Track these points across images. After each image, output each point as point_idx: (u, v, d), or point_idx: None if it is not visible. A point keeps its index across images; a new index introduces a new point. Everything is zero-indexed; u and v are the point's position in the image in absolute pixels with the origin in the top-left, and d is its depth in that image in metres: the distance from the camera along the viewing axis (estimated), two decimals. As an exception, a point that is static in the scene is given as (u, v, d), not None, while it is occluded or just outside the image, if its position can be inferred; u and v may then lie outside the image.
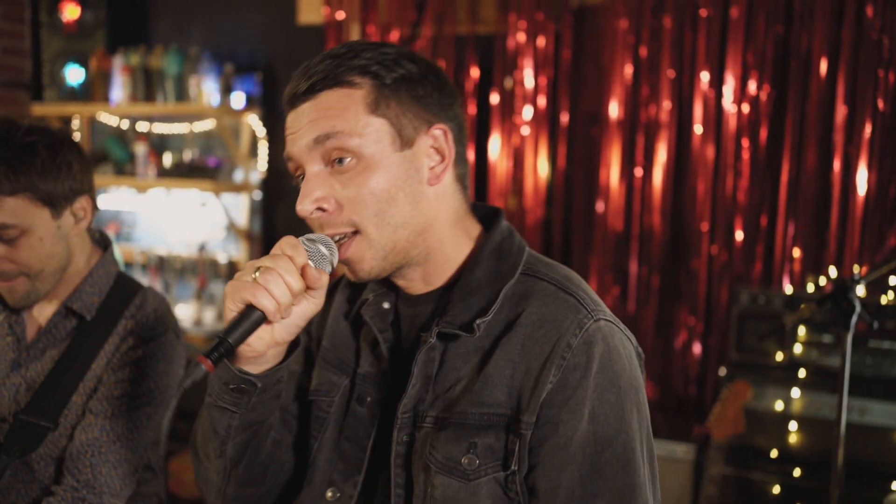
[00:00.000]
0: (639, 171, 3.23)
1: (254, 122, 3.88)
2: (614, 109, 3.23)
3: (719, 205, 3.13)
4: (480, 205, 1.21)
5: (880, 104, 2.87)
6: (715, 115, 3.10)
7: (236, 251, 4.05)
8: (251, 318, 0.97)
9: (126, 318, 1.54)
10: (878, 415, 2.58)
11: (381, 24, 3.61)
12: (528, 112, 3.36)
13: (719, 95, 3.09)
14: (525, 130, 3.38)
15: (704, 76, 3.08)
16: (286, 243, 1.00)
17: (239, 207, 3.99)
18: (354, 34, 3.67)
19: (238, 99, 3.81)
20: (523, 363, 1.03)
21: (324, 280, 1.01)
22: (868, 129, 2.89)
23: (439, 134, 1.09)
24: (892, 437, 2.55)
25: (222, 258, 4.05)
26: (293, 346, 1.09)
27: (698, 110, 3.11)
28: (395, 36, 3.56)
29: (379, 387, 1.13)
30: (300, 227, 1.09)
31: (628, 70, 3.20)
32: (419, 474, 1.05)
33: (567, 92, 3.34)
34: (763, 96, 3.02)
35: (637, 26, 3.17)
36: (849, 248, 2.94)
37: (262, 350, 1.02)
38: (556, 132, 3.39)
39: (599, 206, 3.28)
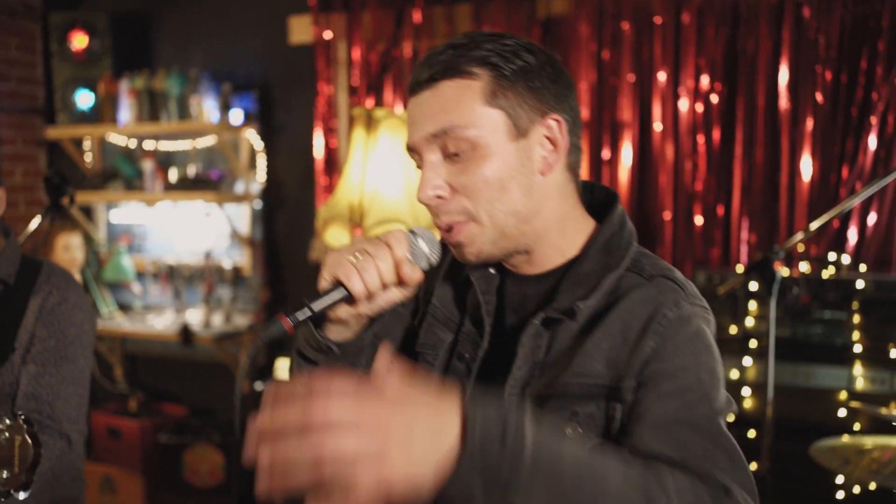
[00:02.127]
0: (606, 169, 3.50)
1: (252, 136, 4.17)
2: (581, 112, 3.50)
3: (680, 195, 3.39)
4: (598, 187, 1.24)
5: (819, 98, 3.14)
6: (672, 113, 3.37)
7: (240, 257, 4.34)
8: (337, 294, 1.07)
9: (41, 282, 1.89)
10: (822, 378, 2.84)
11: (366, 41, 3.89)
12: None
13: (676, 95, 3.36)
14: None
15: (661, 77, 3.36)
16: (395, 237, 1.09)
17: (241, 217, 4.28)
18: (342, 51, 3.96)
19: (236, 116, 4.10)
20: (621, 335, 1.08)
21: (416, 277, 1.09)
22: (810, 122, 3.16)
23: (553, 124, 1.12)
24: (835, 398, 2.81)
25: (227, 264, 4.33)
26: (374, 318, 1.15)
27: (657, 110, 3.38)
28: (379, 50, 3.85)
29: (475, 347, 1.19)
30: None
31: (592, 75, 3.47)
32: None
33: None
34: (715, 94, 3.29)
35: (599, 34, 3.45)
36: (798, 231, 3.20)
37: (345, 318, 1.12)
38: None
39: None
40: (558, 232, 1.17)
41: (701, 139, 3.33)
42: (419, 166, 1.15)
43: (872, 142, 3.06)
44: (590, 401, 1.07)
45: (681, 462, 0.95)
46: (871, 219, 3.09)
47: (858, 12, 3.07)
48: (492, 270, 1.21)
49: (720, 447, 0.98)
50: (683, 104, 3.34)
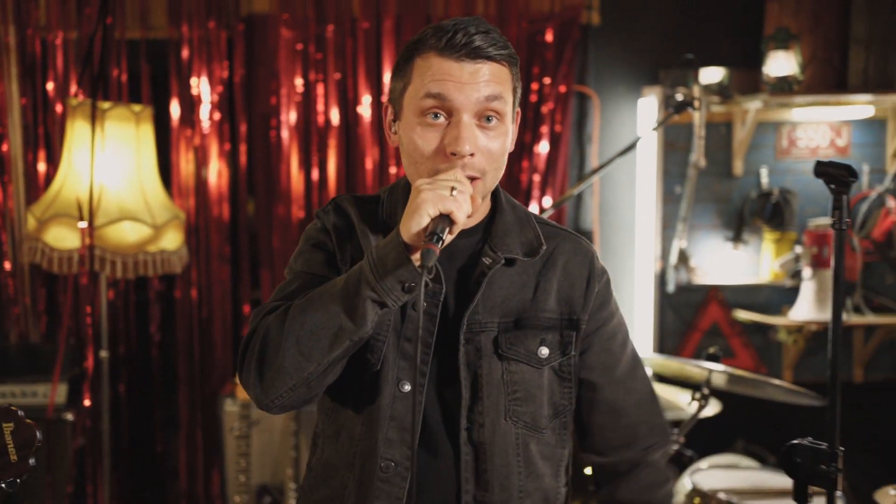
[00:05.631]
0: (315, 163, 3.63)
1: None
2: (288, 110, 3.59)
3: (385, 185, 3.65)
4: None
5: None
6: (376, 111, 3.61)
7: None
8: (443, 225, 1.21)
9: None
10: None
11: (40, 27, 3.54)
12: (205, 115, 3.58)
13: (380, 92, 3.60)
14: (205, 131, 3.59)
15: (365, 76, 3.57)
16: (461, 174, 1.27)
17: None
18: (10, 35, 3.55)
19: None
20: (567, 280, 1.45)
21: (475, 211, 1.28)
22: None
23: (516, 117, 1.42)
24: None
25: None
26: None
27: (361, 108, 3.59)
28: (59, 39, 3.53)
29: (431, 294, 1.38)
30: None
31: (298, 74, 3.58)
32: (492, 363, 1.39)
33: (243, 96, 3.62)
34: (414, 96, 3.60)
35: (304, 35, 3.56)
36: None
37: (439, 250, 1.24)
38: (236, 134, 3.65)
39: (281, 198, 3.62)
40: (487, 198, 1.45)
41: (404, 137, 3.61)
42: (434, 115, 1.30)
43: (544, 146, 3.61)
44: (550, 330, 1.43)
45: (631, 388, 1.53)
46: (546, 202, 3.63)
47: (531, 28, 3.60)
48: None
49: (641, 367, 1.58)
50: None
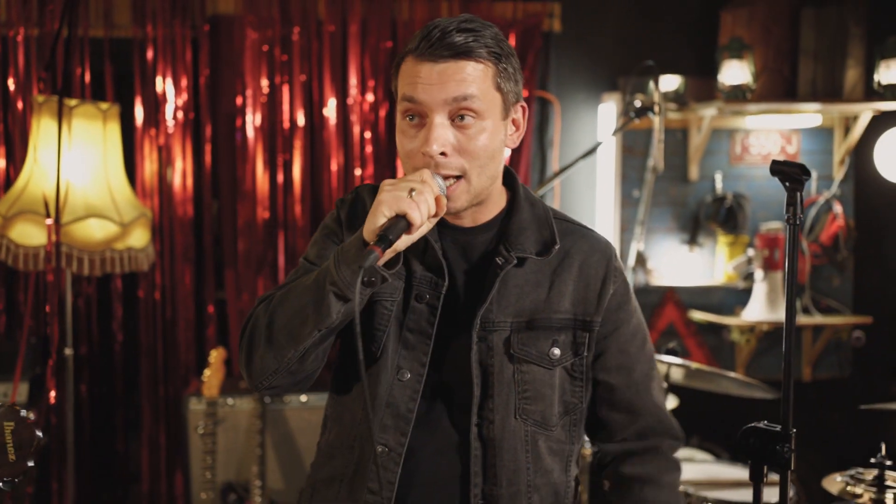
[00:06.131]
0: (280, 165, 3.65)
1: None
2: (253, 112, 3.61)
3: (350, 189, 3.68)
4: None
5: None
6: (341, 113, 3.65)
7: None
8: (399, 225, 1.23)
9: None
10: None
11: (0, 24, 3.52)
12: (170, 115, 3.58)
13: (345, 95, 3.64)
14: (170, 130, 3.59)
15: (331, 79, 3.61)
16: (427, 175, 1.28)
17: None
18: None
19: None
20: (582, 280, 1.46)
21: (444, 209, 1.29)
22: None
23: (520, 110, 1.42)
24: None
25: None
26: (396, 259, 1.32)
27: (327, 109, 3.63)
28: (20, 36, 3.51)
29: (435, 287, 1.42)
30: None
31: (264, 75, 3.60)
32: (504, 363, 1.42)
33: (207, 96, 3.63)
34: (380, 94, 3.65)
35: (269, 37, 3.59)
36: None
37: (389, 254, 1.27)
38: (200, 135, 3.65)
39: (246, 199, 3.63)
40: (498, 192, 1.47)
41: (368, 136, 3.66)
42: (410, 118, 1.35)
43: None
44: (563, 331, 1.46)
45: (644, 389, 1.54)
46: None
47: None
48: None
49: (657, 368, 1.60)
50: (352, 102, 3.63)
